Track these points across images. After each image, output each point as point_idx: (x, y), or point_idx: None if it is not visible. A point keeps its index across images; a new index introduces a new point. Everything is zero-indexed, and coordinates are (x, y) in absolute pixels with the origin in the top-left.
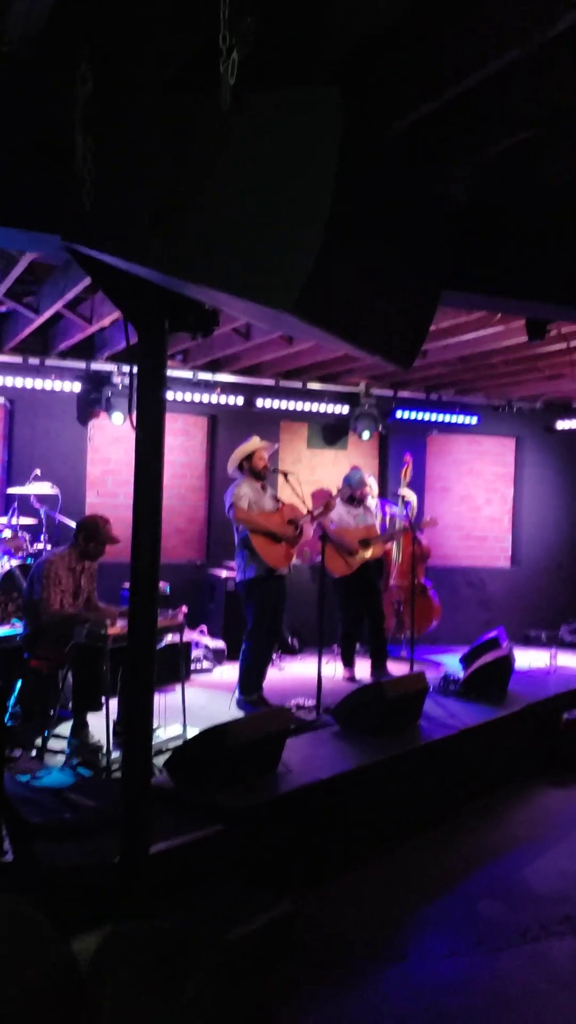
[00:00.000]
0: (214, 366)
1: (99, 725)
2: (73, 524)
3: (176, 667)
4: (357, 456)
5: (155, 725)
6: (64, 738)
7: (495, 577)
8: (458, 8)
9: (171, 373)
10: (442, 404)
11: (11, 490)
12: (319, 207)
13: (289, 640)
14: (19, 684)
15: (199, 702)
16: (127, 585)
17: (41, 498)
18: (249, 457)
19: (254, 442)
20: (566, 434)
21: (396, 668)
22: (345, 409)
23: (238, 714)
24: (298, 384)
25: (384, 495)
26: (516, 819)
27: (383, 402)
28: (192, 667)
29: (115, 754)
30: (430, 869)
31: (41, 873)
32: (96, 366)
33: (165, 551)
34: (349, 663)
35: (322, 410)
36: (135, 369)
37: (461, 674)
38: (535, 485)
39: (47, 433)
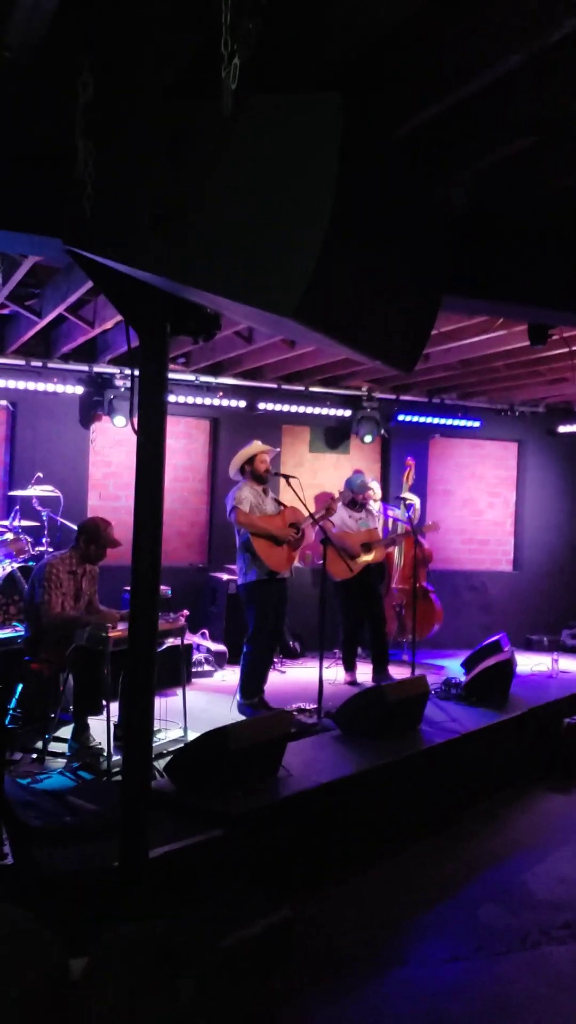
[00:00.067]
0: (216, 369)
1: (100, 728)
2: (75, 527)
3: (177, 670)
4: (359, 460)
5: (156, 728)
6: (65, 741)
7: (497, 581)
8: (458, 11)
9: (173, 376)
10: (444, 408)
11: (13, 492)
12: (320, 212)
13: (290, 644)
14: (20, 687)
15: (200, 705)
16: (128, 588)
17: (43, 501)
18: (251, 460)
19: (256, 446)
20: (568, 438)
21: (397, 672)
22: (347, 412)
23: (239, 718)
24: (300, 387)
25: (386, 499)
26: (517, 824)
27: (385, 406)
28: (193, 670)
29: (116, 757)
30: (431, 874)
31: (41, 876)
32: (98, 369)
33: (166, 554)
34: (350, 667)
35: (324, 413)
36: (137, 372)
37: (462, 678)
38: (537, 489)
39: (49, 436)
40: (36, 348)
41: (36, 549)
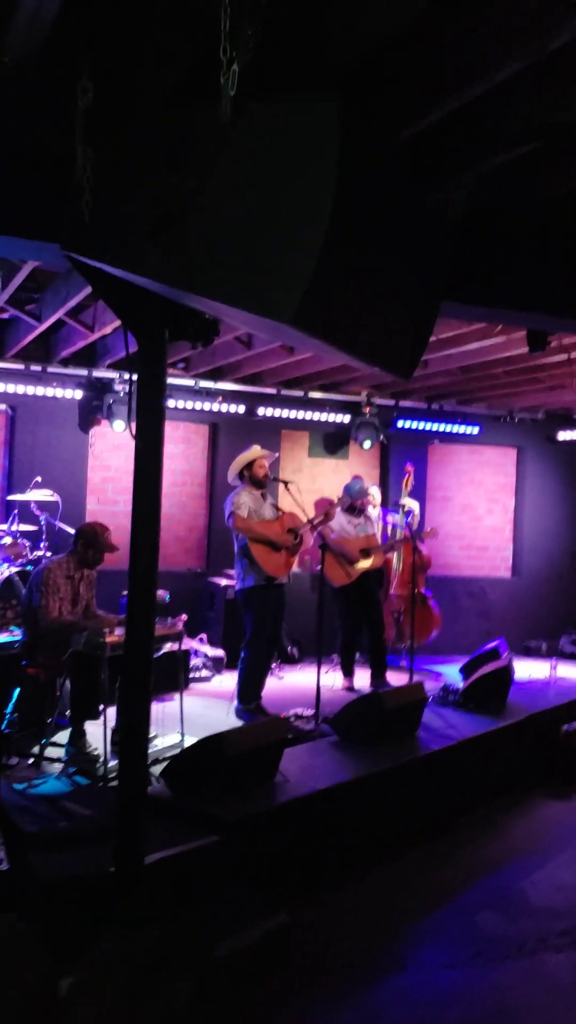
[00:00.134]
0: (216, 374)
1: (97, 733)
2: (73, 531)
3: (175, 675)
4: (358, 465)
5: (153, 734)
6: (61, 746)
7: (495, 587)
8: (458, 11)
9: (172, 381)
10: (443, 414)
11: (11, 497)
12: (319, 217)
13: (288, 649)
14: (17, 691)
15: (197, 711)
16: (126, 593)
17: (41, 505)
18: (249, 465)
19: (254, 451)
20: (567, 445)
21: (396, 678)
22: (346, 418)
23: (236, 723)
24: (299, 393)
25: (385, 504)
26: (515, 831)
27: (384, 411)
28: (191, 675)
29: (113, 763)
30: (428, 880)
31: (36, 882)
32: (98, 373)
33: (164, 559)
34: (348, 673)
35: (323, 419)
36: (135, 377)
37: (461, 684)
38: (536, 495)
39: (48, 440)
40: (36, 352)
41: (34, 553)
